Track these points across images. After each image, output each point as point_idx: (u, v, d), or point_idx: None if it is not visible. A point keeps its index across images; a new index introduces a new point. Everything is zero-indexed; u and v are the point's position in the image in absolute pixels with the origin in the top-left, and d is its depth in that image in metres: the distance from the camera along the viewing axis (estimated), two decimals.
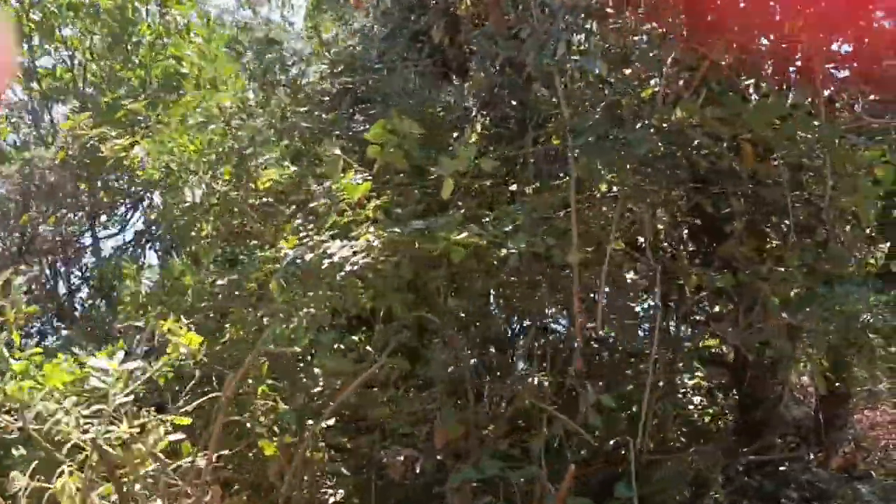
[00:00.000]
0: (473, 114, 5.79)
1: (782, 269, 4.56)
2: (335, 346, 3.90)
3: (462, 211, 3.70)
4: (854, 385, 7.76)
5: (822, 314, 4.42)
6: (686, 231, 5.49)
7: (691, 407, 8.08)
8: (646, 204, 4.24)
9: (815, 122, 4.29)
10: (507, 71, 4.52)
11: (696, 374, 7.83)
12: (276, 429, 3.60)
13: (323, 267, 2.98)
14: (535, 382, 4.26)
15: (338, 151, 3.19)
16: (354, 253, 3.00)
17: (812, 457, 7.62)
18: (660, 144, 4.03)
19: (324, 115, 4.43)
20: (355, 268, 2.99)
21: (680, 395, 7.92)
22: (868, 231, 5.91)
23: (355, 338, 4.41)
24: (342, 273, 3.01)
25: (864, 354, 4.99)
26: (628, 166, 3.93)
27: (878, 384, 8.42)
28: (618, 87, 4.45)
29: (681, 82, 5.06)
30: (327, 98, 4.72)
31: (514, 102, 4.87)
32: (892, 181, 5.49)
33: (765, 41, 5.72)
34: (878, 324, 5.97)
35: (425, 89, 4.75)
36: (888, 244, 5.88)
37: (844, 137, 4.28)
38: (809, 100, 5.39)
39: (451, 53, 4.69)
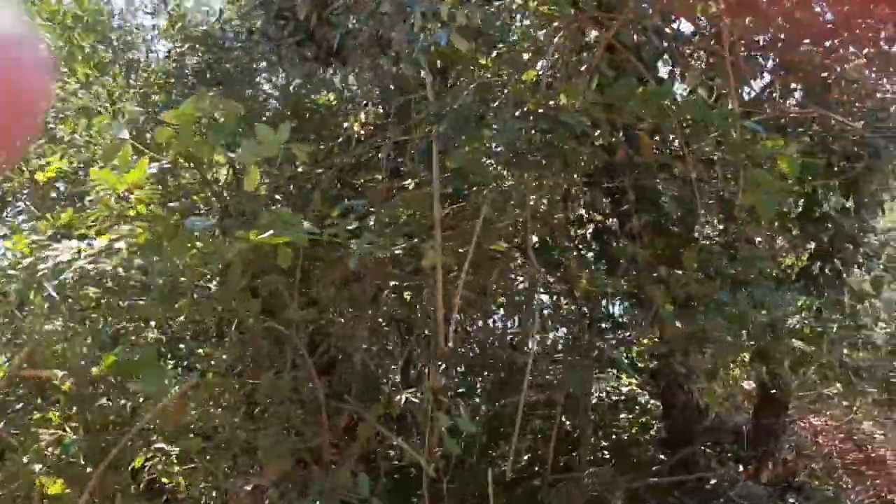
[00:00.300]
0: (364, 101, 5.31)
1: (680, 273, 4.11)
2: (160, 363, 3.38)
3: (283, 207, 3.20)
4: (791, 392, 7.42)
5: (723, 322, 3.98)
6: (591, 230, 5.04)
7: (624, 416, 7.71)
8: (521, 199, 3.77)
9: (710, 109, 3.83)
10: (371, 51, 4.01)
11: (630, 381, 7.45)
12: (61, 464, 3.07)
13: (39, 273, 2.46)
14: (402, 400, 3.75)
15: (125, 134, 2.67)
16: (87, 256, 2.49)
17: (742, 468, 7.25)
18: (535, 132, 3.54)
19: (155, 99, 3.90)
20: (73, 275, 2.48)
21: (611, 405, 7.51)
22: (792, 231, 5.53)
23: (202, 351, 3.88)
24: (55, 280, 2.48)
25: (775, 361, 4.59)
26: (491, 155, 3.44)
27: (826, 389, 8.09)
28: (495, 68, 3.98)
29: (583, 67, 4.62)
30: (172, 80, 4.19)
31: (391, 87, 4.37)
32: (807, 175, 5.11)
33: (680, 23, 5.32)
34: (805, 329, 5.60)
35: (291, 71, 4.24)
36: (813, 244, 5.49)
37: (745, 126, 3.83)
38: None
39: (321, 32, 4.19)
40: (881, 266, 5.53)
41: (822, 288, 5.27)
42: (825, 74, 5.05)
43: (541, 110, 3.60)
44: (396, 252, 3.49)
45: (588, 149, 3.91)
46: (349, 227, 3.21)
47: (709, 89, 5.82)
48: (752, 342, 4.66)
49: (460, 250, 3.75)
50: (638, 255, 4.31)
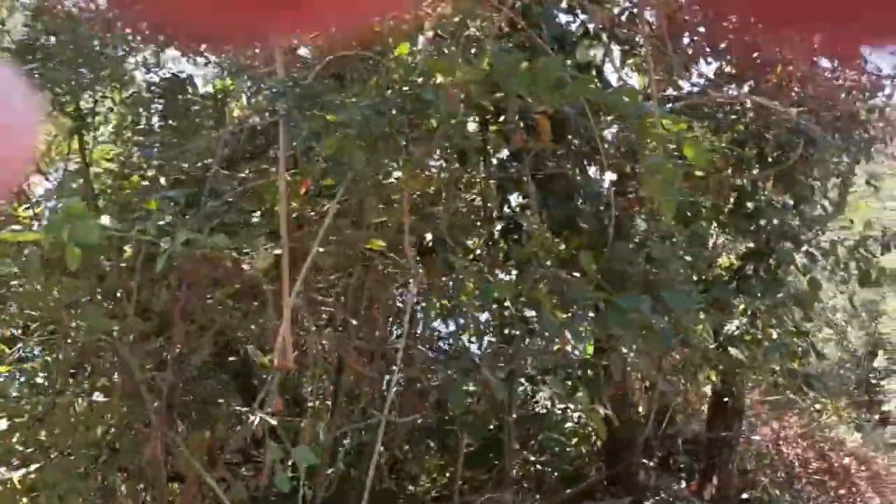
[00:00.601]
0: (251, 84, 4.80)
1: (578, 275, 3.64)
2: None
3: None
4: (743, 401, 7.01)
5: (628, 331, 3.51)
6: (499, 228, 4.56)
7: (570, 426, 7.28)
8: (381, 191, 3.29)
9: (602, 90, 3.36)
10: None
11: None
12: None
13: None
14: (255, 424, 3.25)
15: None
16: None
17: (686, 483, 6.83)
18: (396, 112, 3.06)
19: None
20: None
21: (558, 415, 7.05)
22: (725, 227, 5.08)
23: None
24: None
25: (688, 371, 4.15)
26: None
27: (792, 395, 7.66)
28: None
29: (492, 46, 4.14)
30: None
31: (261, 67, 3.89)
32: (740, 166, 4.66)
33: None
34: (745, 335, 5.19)
35: (151, 49, 3.75)
36: (749, 243, 5.02)
37: (647, 110, 3.35)
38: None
39: None
40: (826, 266, 5.07)
41: (759, 290, 4.81)
42: (756, 55, 4.59)
43: (405, 88, 3.11)
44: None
45: (466, 133, 3.42)
46: (161, 223, 2.72)
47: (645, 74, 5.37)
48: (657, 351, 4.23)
49: (320, 250, 3.25)
50: (539, 256, 3.84)
